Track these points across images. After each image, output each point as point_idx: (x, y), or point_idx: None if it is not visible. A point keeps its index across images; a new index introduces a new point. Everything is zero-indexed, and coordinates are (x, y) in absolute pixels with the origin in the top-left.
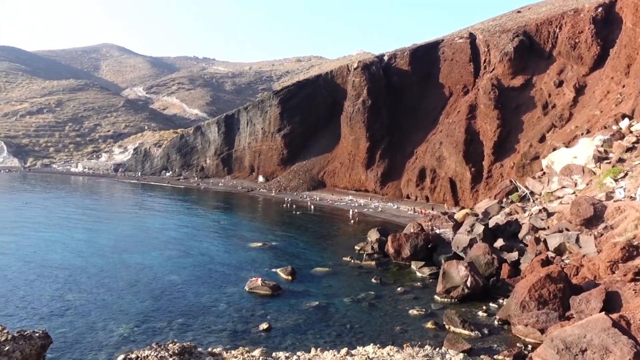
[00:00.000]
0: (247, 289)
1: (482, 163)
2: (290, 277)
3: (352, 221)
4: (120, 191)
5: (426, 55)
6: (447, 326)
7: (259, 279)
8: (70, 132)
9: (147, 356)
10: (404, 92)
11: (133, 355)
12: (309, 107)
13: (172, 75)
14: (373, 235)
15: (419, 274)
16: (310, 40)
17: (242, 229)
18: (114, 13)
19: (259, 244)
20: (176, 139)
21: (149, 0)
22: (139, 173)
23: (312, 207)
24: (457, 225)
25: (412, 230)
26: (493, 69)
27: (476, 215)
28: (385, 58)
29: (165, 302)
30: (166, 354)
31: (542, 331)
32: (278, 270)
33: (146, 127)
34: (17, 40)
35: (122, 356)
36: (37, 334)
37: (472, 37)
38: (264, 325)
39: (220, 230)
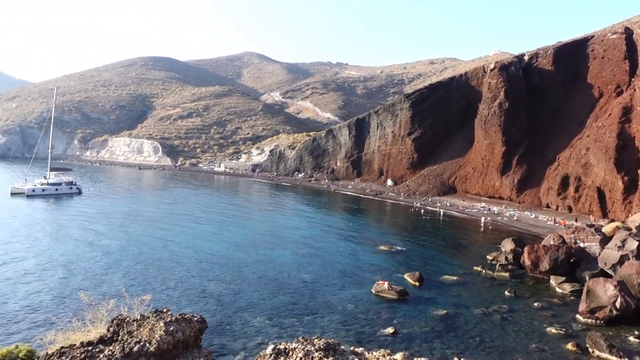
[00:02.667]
0: (373, 292)
1: (636, 172)
2: (417, 283)
3: (483, 229)
4: (257, 190)
5: (572, 54)
6: (590, 349)
7: (386, 283)
8: (215, 135)
9: (295, 348)
10: (546, 93)
11: (281, 347)
12: (441, 110)
13: (307, 80)
14: (508, 245)
15: (558, 290)
16: (445, 42)
17: (371, 232)
18: (256, 24)
19: (387, 248)
20: (309, 141)
21: (287, 10)
22: (274, 173)
23: (442, 212)
24: (605, 240)
25: (552, 242)
26: None
27: (629, 229)
28: (526, 58)
29: (296, 298)
30: (312, 348)
31: None
32: (405, 275)
33: (281, 130)
34: (172, 51)
35: (272, 346)
36: (195, 318)
37: (628, 32)
38: (390, 330)
39: (349, 232)
